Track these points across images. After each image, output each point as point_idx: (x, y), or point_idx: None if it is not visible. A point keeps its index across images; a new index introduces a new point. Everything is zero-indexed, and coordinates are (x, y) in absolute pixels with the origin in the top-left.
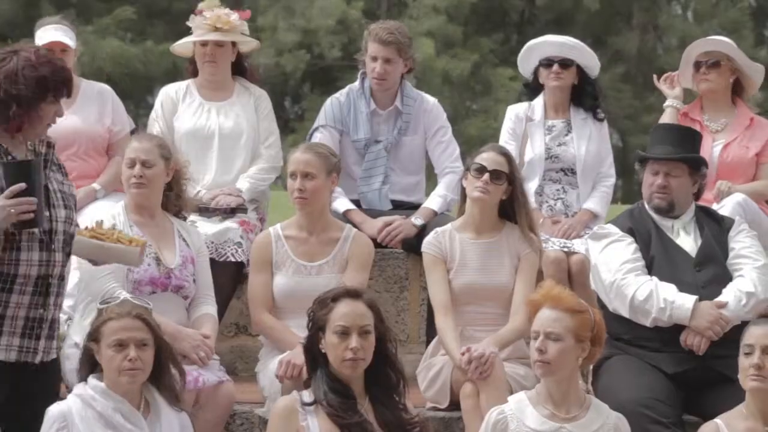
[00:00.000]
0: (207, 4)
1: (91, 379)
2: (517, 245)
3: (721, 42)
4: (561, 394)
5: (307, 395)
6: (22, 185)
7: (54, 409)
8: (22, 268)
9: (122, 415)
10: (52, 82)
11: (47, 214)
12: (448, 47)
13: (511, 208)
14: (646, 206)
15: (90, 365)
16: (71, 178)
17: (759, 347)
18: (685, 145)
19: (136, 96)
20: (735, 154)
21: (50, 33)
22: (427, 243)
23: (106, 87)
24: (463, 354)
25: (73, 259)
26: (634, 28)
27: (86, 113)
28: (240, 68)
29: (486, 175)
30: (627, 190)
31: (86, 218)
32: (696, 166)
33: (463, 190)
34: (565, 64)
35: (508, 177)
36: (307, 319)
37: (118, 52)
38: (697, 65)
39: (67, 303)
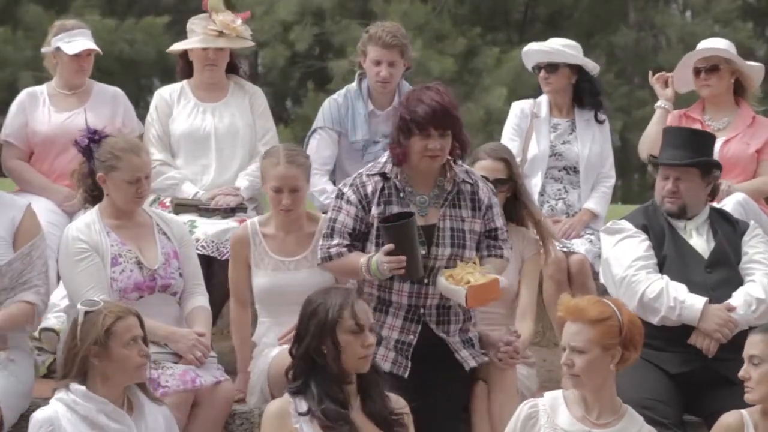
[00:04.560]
0: (213, 5)
1: (72, 384)
2: (522, 247)
3: (717, 47)
4: (594, 400)
5: (301, 403)
6: (390, 247)
7: (39, 415)
8: (394, 296)
9: (106, 416)
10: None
11: (428, 252)
12: (438, 41)
13: (513, 207)
14: None
15: (81, 370)
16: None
17: (746, 357)
18: (697, 149)
19: (129, 84)
20: (735, 149)
21: (80, 41)
22: None
23: (119, 90)
24: (513, 333)
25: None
26: (631, 26)
27: (99, 114)
28: (232, 66)
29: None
30: (626, 189)
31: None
32: (707, 169)
33: None
34: (551, 68)
35: (509, 179)
36: (300, 325)
37: (98, 27)
38: (697, 71)
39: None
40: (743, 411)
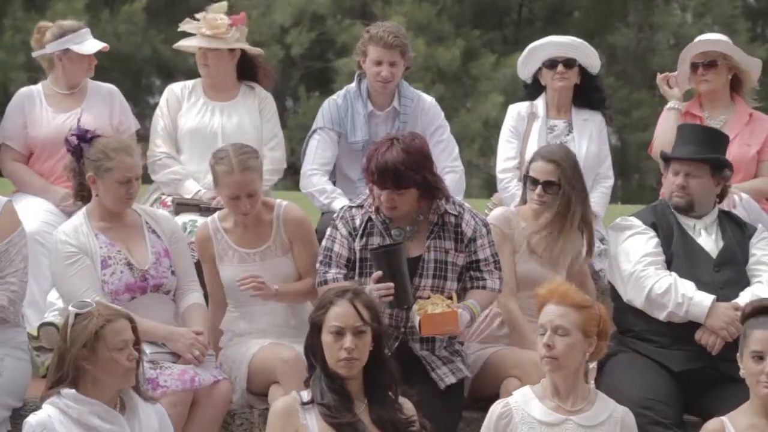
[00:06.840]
0: (215, 8)
1: (62, 389)
2: (575, 243)
3: (716, 42)
4: (567, 388)
5: (306, 395)
6: (379, 273)
7: (32, 420)
8: None
9: (99, 417)
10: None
11: (411, 282)
12: (440, 41)
13: (567, 212)
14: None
15: (73, 373)
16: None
17: (756, 354)
18: (710, 146)
19: (128, 83)
20: (736, 152)
21: (93, 41)
22: (496, 218)
23: (114, 88)
24: None
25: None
26: (631, 26)
27: (96, 112)
28: (248, 70)
29: (539, 188)
30: (626, 190)
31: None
32: (719, 167)
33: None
34: (569, 63)
35: (562, 182)
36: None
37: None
38: (694, 66)
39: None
40: (723, 417)
